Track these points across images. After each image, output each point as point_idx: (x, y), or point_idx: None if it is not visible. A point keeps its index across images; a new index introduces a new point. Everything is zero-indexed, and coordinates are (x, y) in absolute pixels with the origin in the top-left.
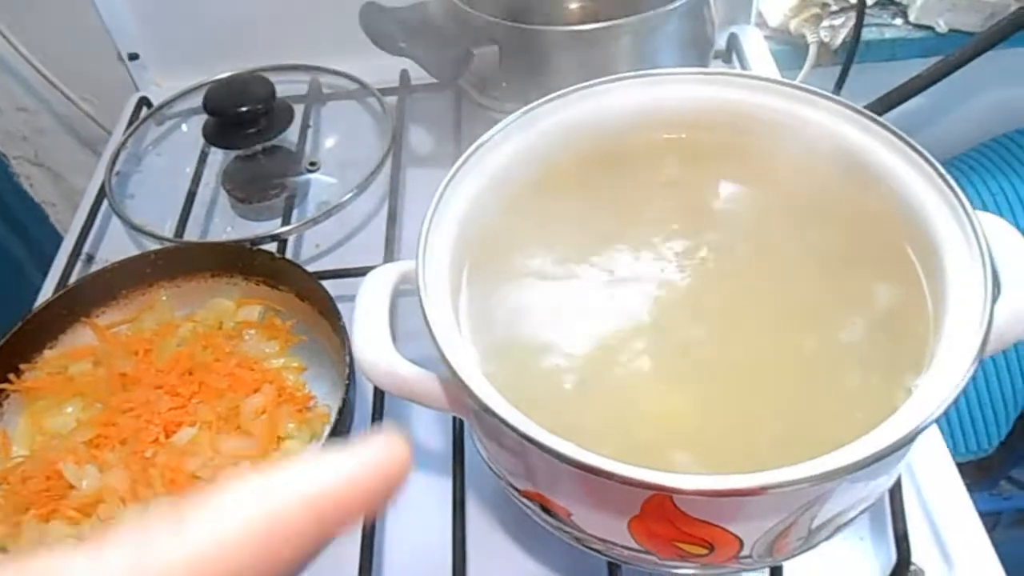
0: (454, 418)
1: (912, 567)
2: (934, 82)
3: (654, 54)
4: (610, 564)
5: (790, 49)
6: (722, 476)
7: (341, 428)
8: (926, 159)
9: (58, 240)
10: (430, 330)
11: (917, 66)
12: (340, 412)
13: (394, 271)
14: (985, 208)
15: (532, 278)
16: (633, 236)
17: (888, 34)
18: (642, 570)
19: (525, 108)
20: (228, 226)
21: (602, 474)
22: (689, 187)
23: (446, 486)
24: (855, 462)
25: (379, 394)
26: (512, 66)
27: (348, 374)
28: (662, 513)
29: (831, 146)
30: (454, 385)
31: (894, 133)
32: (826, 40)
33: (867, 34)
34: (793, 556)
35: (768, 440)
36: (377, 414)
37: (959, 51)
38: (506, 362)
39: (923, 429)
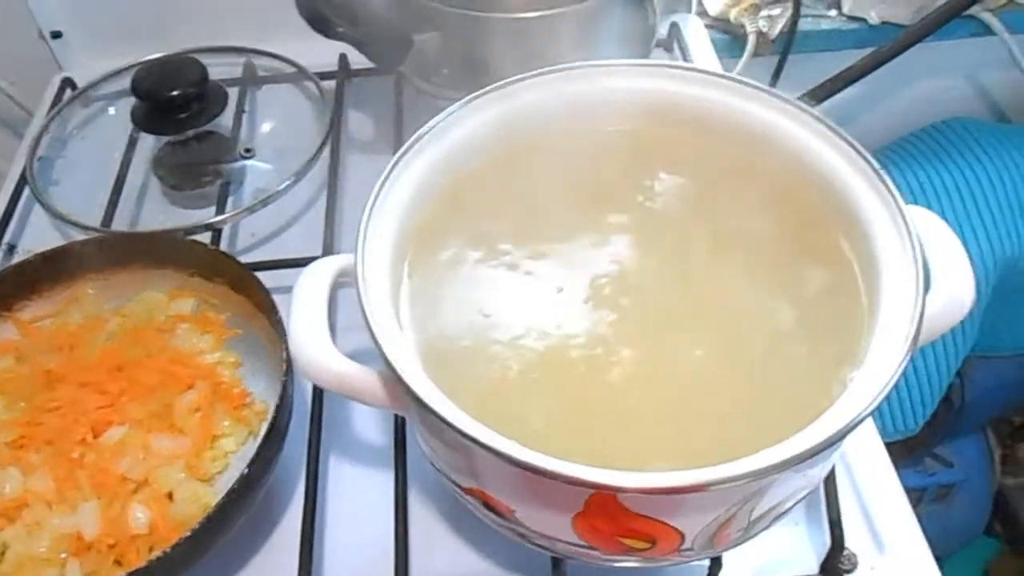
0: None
1: (845, 551)
2: (866, 73)
3: (597, 42)
4: (554, 559)
5: (730, 38)
6: (664, 473)
7: (279, 426)
8: (860, 153)
9: None
10: (369, 327)
11: (851, 57)
12: (278, 409)
13: (332, 265)
14: (913, 196)
15: (474, 271)
16: (575, 229)
17: (823, 25)
18: (585, 564)
19: (465, 99)
20: (160, 214)
21: (545, 473)
22: (630, 178)
23: (388, 481)
24: (793, 456)
25: (318, 390)
26: (453, 53)
27: (285, 370)
28: (605, 510)
29: (769, 140)
30: (394, 383)
31: (829, 127)
32: (764, 30)
33: (803, 25)
34: (733, 546)
35: (707, 435)
36: (316, 410)
37: (891, 43)
38: (447, 358)
39: (858, 423)
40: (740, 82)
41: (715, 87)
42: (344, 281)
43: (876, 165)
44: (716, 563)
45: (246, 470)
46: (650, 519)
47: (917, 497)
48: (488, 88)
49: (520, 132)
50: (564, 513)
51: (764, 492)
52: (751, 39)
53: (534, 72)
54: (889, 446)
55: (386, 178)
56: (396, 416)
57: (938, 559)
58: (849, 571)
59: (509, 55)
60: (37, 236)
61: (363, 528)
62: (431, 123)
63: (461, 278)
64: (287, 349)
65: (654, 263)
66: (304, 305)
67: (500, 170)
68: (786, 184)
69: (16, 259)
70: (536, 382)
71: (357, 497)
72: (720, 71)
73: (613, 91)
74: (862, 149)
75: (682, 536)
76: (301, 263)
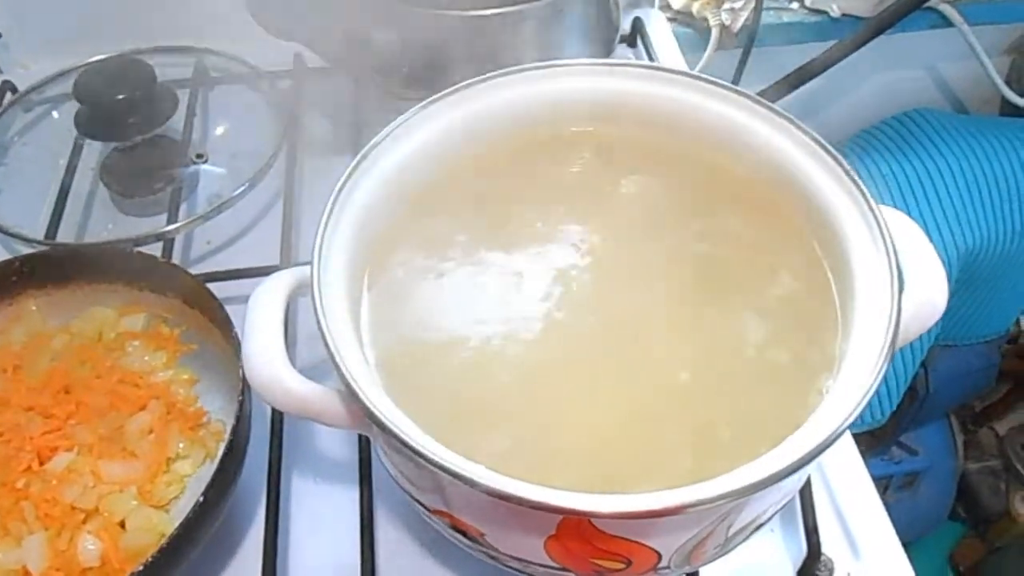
0: None
1: (822, 557)
2: (829, 66)
3: (559, 39)
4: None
5: (693, 32)
6: (638, 496)
7: (236, 447)
8: (830, 154)
9: None
10: (328, 346)
11: (813, 50)
12: (235, 430)
13: (286, 281)
14: (876, 188)
15: (437, 281)
16: (538, 234)
17: (785, 18)
18: None
19: (422, 103)
20: (109, 223)
21: (513, 499)
22: (595, 181)
23: (353, 499)
24: (771, 475)
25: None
26: (412, 52)
27: (242, 389)
28: (578, 532)
29: (734, 139)
30: (355, 404)
31: (799, 127)
32: (727, 23)
33: (766, 18)
34: (710, 562)
35: (681, 453)
36: (276, 428)
37: (852, 36)
38: (410, 374)
39: (837, 437)
40: (707, 81)
41: (681, 86)
42: (303, 291)
43: (847, 166)
44: (692, 573)
45: (202, 497)
46: (625, 540)
47: (884, 485)
48: (446, 91)
49: (481, 136)
50: (536, 536)
51: (742, 508)
52: (714, 33)
53: (494, 74)
54: (856, 436)
55: (342, 187)
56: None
57: (905, 545)
58: None
59: (470, 53)
60: None
61: (328, 549)
62: (386, 130)
63: (424, 290)
64: (242, 366)
65: (623, 271)
66: (259, 324)
67: (461, 175)
68: (755, 185)
69: None
70: (502, 398)
71: (322, 517)
72: (685, 69)
73: (575, 92)
74: (832, 150)
75: (659, 556)
76: (258, 272)
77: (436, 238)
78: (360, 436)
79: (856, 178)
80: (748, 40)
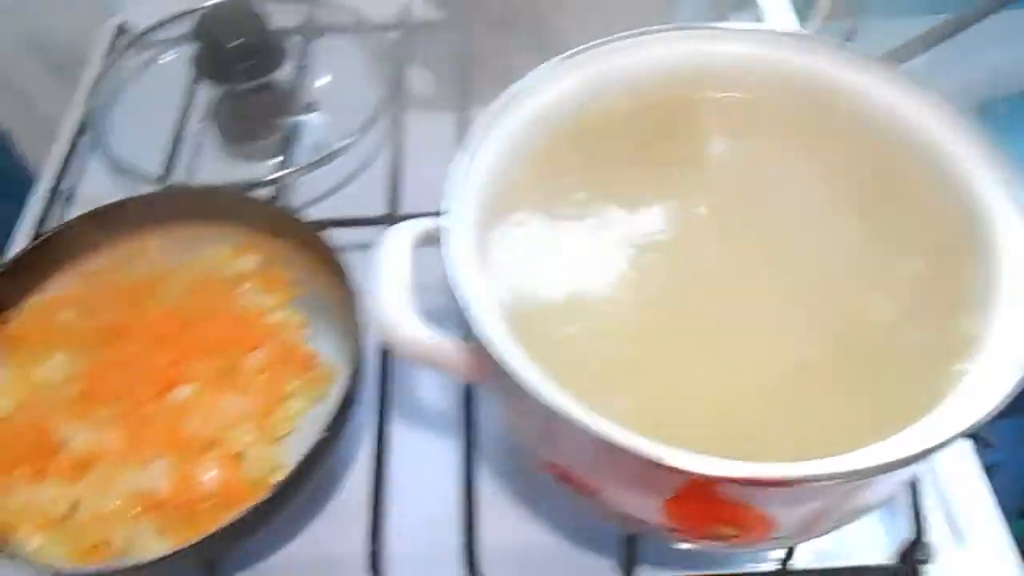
0: None
1: (924, 542)
2: (944, 39)
3: (683, 3)
4: (628, 535)
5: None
6: (778, 464)
7: (356, 387)
8: (976, 134)
9: (17, 166)
10: (462, 300)
11: (925, 23)
12: (355, 374)
13: (415, 229)
14: None
15: (556, 240)
16: (662, 198)
17: None
18: (660, 540)
19: (559, 58)
20: (215, 166)
21: (651, 461)
22: (720, 148)
23: (451, 447)
24: (913, 454)
25: (387, 353)
26: (530, 8)
27: (362, 334)
28: (701, 496)
29: (881, 117)
30: (483, 359)
31: (940, 102)
32: None
33: None
34: (823, 534)
35: (805, 427)
36: (383, 375)
37: (972, 8)
38: (536, 331)
39: (985, 420)
40: (857, 55)
41: (816, 54)
42: (427, 243)
43: (991, 143)
44: (791, 548)
45: (325, 433)
46: (746, 508)
47: None
48: (584, 47)
49: (618, 94)
50: (655, 496)
51: (868, 486)
52: (823, 1)
53: (622, 34)
54: None
55: (474, 142)
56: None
57: None
58: (925, 562)
59: (587, 13)
60: (94, 185)
61: (427, 495)
62: (523, 81)
63: (545, 248)
64: (361, 312)
65: (745, 241)
66: (388, 272)
67: (584, 136)
68: (897, 161)
69: (74, 208)
70: (624, 360)
71: (421, 462)
72: (829, 39)
73: (717, 55)
74: (975, 128)
75: (775, 525)
76: (367, 222)
77: (557, 197)
78: (464, 388)
79: (1000, 155)
80: (857, 9)
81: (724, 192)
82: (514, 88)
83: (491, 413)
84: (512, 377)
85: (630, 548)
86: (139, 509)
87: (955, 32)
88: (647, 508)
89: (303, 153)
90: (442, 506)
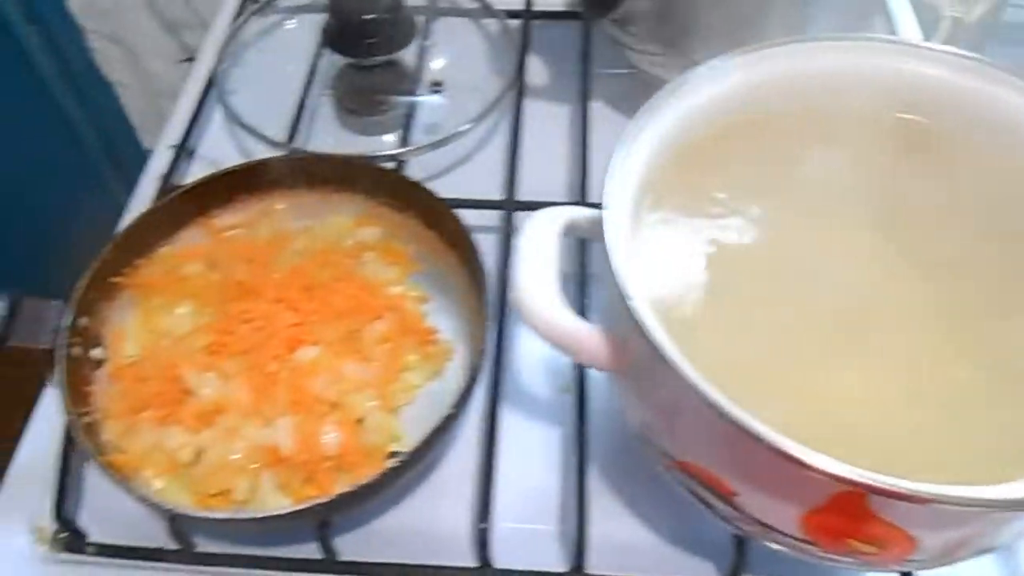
0: (578, 365)
1: None
2: None
3: (815, 12)
4: (738, 539)
5: (919, 20)
6: (958, 486)
7: (480, 368)
8: None
9: (124, 122)
10: (620, 289)
11: None
12: (482, 352)
13: (563, 214)
14: None
15: (705, 238)
16: (814, 207)
17: None
18: (768, 548)
19: (725, 55)
20: (329, 137)
21: (817, 470)
22: (879, 165)
23: (556, 435)
24: None
25: (503, 333)
26: (667, 7)
27: (489, 317)
28: (850, 510)
29: None
30: (634, 354)
31: None
32: (961, 16)
33: (1008, 15)
34: (958, 562)
35: (965, 449)
36: (497, 354)
37: None
38: (688, 325)
39: None
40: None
41: (997, 81)
42: (572, 231)
43: None
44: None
45: (452, 410)
46: (893, 526)
47: None
48: (733, 53)
49: (770, 99)
50: (798, 506)
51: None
52: (944, 25)
53: (794, 39)
54: None
55: (632, 133)
56: (581, 370)
57: None
58: None
59: (727, 18)
60: (213, 144)
61: (531, 478)
62: (671, 84)
63: (689, 246)
64: (488, 293)
65: (904, 259)
66: (534, 255)
67: (734, 137)
68: None
69: (195, 164)
70: (775, 363)
71: (526, 446)
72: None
73: (877, 69)
74: None
75: (917, 547)
76: (485, 205)
77: (705, 195)
78: (578, 373)
79: None
80: (982, 37)
81: (878, 209)
82: (674, 83)
83: (602, 406)
84: (675, 374)
85: (738, 554)
86: (260, 463)
87: None
88: (785, 516)
89: (419, 132)
90: (544, 491)
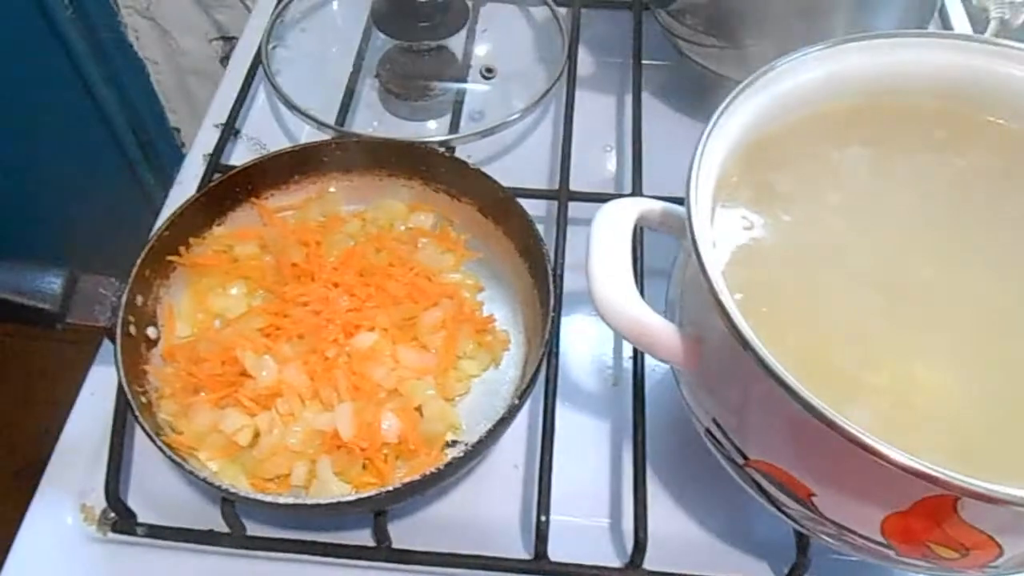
0: (636, 359)
1: None
2: None
3: (876, 8)
4: (800, 537)
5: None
6: None
7: (542, 359)
8: None
9: (153, 99)
10: (714, 289)
11: None
12: (547, 344)
13: (635, 206)
14: None
15: (777, 233)
16: (880, 202)
17: None
18: (828, 547)
19: (799, 51)
20: (374, 120)
21: (915, 472)
22: (936, 158)
23: (606, 429)
24: None
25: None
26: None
27: (555, 309)
28: (935, 514)
29: None
30: (713, 350)
31: None
32: (1007, 17)
33: None
34: None
35: None
36: (554, 347)
37: None
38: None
39: None
40: None
41: None
42: (643, 223)
43: None
44: None
45: (516, 401)
46: (978, 531)
47: None
48: (801, 52)
49: (842, 94)
50: (881, 508)
51: None
52: (992, 26)
53: (864, 35)
54: None
55: (710, 130)
56: (637, 365)
57: None
58: None
59: (783, 14)
60: (259, 123)
61: (584, 472)
62: (744, 83)
63: (762, 242)
64: (549, 282)
65: (962, 253)
66: (608, 246)
67: (818, 129)
68: None
69: (241, 143)
70: (864, 357)
71: (576, 437)
72: None
73: (937, 66)
74: None
75: (999, 553)
76: (537, 194)
77: (776, 190)
78: (635, 370)
79: None
80: None
81: (937, 204)
82: (751, 79)
83: (656, 401)
84: (765, 371)
85: (800, 554)
86: (318, 448)
87: None
88: (865, 518)
89: (465, 119)
90: (596, 485)
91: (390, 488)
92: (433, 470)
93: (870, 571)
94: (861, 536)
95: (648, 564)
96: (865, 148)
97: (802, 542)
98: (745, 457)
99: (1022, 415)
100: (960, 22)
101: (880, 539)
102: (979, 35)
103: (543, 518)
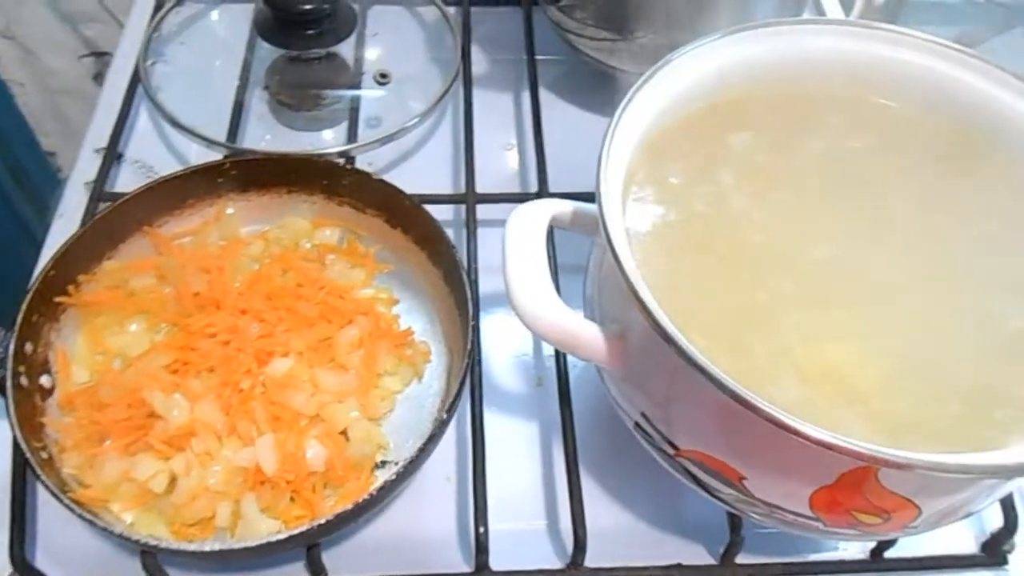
0: (558, 358)
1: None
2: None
3: None
4: (733, 517)
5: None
6: (972, 455)
7: (465, 375)
8: None
9: (21, 123)
10: (632, 287)
11: (964, 35)
12: (471, 354)
13: (548, 208)
14: None
15: (681, 226)
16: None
17: None
18: (761, 523)
19: (696, 43)
20: (267, 134)
21: (842, 450)
22: (839, 143)
23: (534, 431)
24: None
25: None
26: None
27: (474, 317)
28: (859, 485)
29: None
30: (637, 348)
31: None
32: None
33: None
34: (951, 524)
35: (956, 416)
36: (475, 352)
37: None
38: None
39: None
40: (966, 54)
41: (935, 55)
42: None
43: None
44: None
45: (444, 416)
46: (899, 496)
47: None
48: (697, 42)
49: (722, 88)
50: (808, 485)
51: (1011, 481)
52: (858, 5)
53: (741, 27)
54: None
55: (615, 124)
56: (559, 364)
57: None
58: (1011, 551)
59: (666, 7)
60: (143, 146)
61: (515, 476)
62: (645, 76)
63: (668, 235)
64: (466, 290)
65: (869, 234)
66: (522, 250)
67: (699, 124)
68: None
69: (125, 167)
70: (781, 338)
71: (505, 442)
72: (948, 42)
73: (823, 51)
74: None
75: (918, 515)
76: (443, 200)
77: (681, 181)
78: (559, 367)
79: None
80: (890, 17)
81: (842, 187)
82: (649, 73)
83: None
84: (686, 361)
85: (732, 535)
86: (241, 486)
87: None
88: (794, 496)
89: (365, 127)
90: (530, 488)
91: (322, 521)
92: (366, 497)
93: (799, 540)
94: (792, 512)
95: (589, 561)
96: (762, 135)
97: (735, 522)
98: (675, 447)
99: (926, 380)
100: (832, 6)
101: (809, 513)
102: (856, 19)
103: (481, 529)
